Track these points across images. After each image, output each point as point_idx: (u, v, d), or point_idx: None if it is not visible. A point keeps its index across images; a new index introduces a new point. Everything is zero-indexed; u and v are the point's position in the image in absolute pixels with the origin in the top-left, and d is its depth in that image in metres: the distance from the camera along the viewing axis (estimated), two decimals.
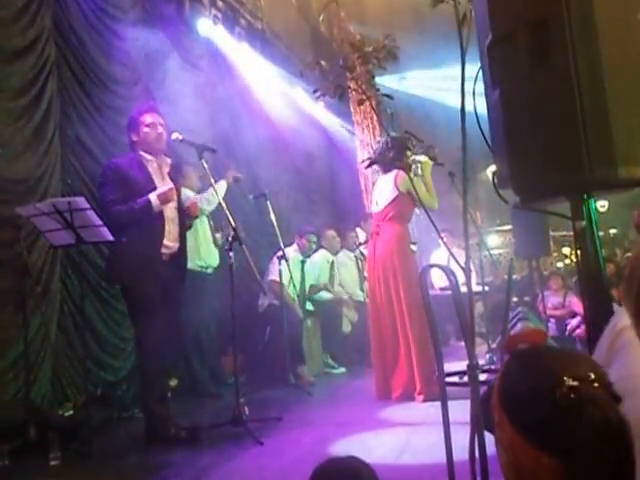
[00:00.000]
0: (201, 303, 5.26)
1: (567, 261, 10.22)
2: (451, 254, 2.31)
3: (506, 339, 1.09)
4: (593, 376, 0.94)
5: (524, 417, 0.96)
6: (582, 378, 0.93)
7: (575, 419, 0.91)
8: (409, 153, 4.85)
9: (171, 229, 3.92)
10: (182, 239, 4.04)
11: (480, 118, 2.16)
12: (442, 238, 3.53)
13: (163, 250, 3.86)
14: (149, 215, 3.77)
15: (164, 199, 3.83)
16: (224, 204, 4.17)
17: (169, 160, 4.07)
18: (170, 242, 3.91)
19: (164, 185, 3.92)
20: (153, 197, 3.79)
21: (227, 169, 5.42)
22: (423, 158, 4.76)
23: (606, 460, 0.90)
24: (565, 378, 0.93)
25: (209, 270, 5.44)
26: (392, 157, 4.80)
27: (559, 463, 0.91)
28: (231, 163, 5.70)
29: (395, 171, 4.76)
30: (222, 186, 5.16)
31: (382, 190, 4.90)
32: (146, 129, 3.91)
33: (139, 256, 3.74)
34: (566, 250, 10.18)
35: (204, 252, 5.39)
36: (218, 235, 5.55)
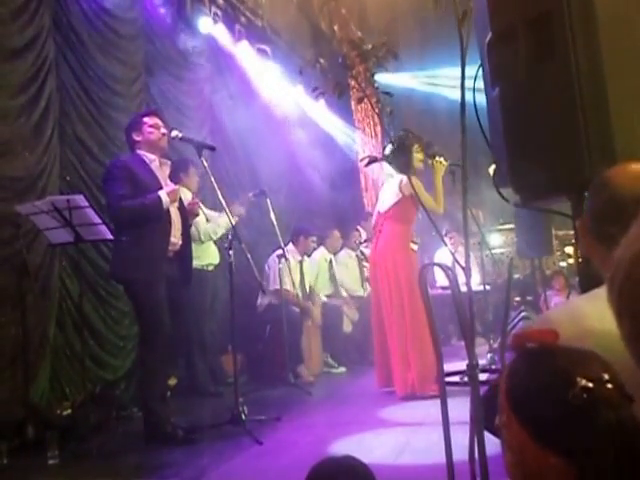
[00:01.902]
0: (201, 302, 5.25)
1: (570, 260, 10.17)
2: (452, 255, 2.30)
3: (513, 337, 1.06)
4: (607, 377, 0.92)
5: (534, 418, 0.94)
6: (595, 378, 0.91)
7: (589, 420, 0.89)
8: (417, 153, 4.86)
9: (175, 226, 3.94)
10: (185, 237, 4.05)
11: (480, 116, 2.14)
12: (444, 240, 3.53)
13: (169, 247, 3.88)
14: (159, 212, 3.78)
15: (173, 197, 3.87)
16: (224, 203, 4.14)
17: (169, 162, 4.09)
18: (174, 239, 3.93)
19: (166, 185, 3.94)
20: (163, 194, 3.80)
21: (234, 204, 5.04)
22: (436, 161, 4.79)
23: (620, 462, 0.88)
24: (578, 378, 0.91)
25: (210, 268, 5.43)
26: (399, 156, 4.82)
27: (570, 464, 0.89)
28: (240, 199, 5.30)
29: (401, 176, 4.82)
30: (223, 223, 5.09)
31: (387, 191, 5.00)
32: (150, 129, 3.92)
33: (147, 253, 3.74)
34: (569, 249, 10.13)
35: (204, 250, 5.37)
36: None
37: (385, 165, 5.18)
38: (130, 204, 3.73)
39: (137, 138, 3.94)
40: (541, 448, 0.92)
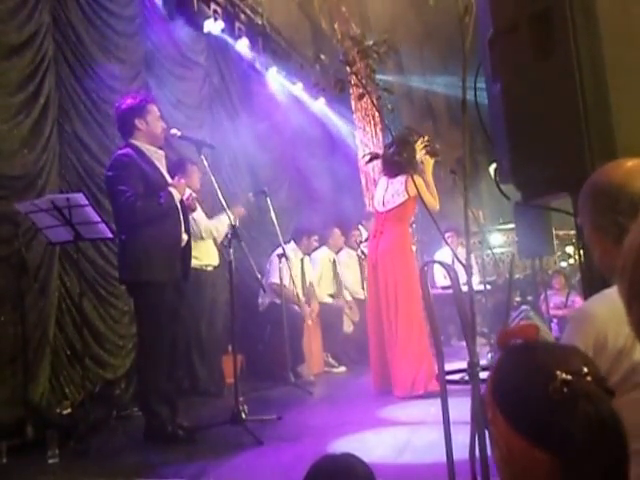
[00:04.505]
0: (199, 302, 5.23)
1: (571, 260, 10.17)
2: (454, 253, 2.28)
3: (498, 335, 1.08)
4: (586, 370, 0.93)
5: (517, 412, 0.95)
6: (575, 372, 0.92)
7: (568, 413, 0.90)
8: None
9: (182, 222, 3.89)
10: (187, 232, 3.98)
11: (481, 114, 2.13)
12: (445, 239, 3.53)
13: None
14: (173, 208, 3.72)
15: (181, 193, 3.81)
16: (223, 202, 4.12)
17: (162, 152, 3.98)
18: (183, 235, 3.88)
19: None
20: (174, 190, 3.74)
21: (236, 205, 5.14)
22: (425, 156, 4.78)
23: (599, 455, 0.89)
24: (558, 372, 0.92)
25: (209, 268, 5.39)
26: (398, 155, 4.80)
27: (553, 458, 0.90)
28: (241, 199, 5.48)
29: (406, 176, 4.79)
30: (224, 220, 4.96)
31: (390, 191, 4.95)
32: (155, 121, 3.80)
33: (163, 253, 3.67)
34: (570, 249, 10.13)
35: (204, 250, 5.35)
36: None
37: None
38: (148, 204, 3.62)
39: (140, 126, 3.75)
40: (526, 443, 0.93)
